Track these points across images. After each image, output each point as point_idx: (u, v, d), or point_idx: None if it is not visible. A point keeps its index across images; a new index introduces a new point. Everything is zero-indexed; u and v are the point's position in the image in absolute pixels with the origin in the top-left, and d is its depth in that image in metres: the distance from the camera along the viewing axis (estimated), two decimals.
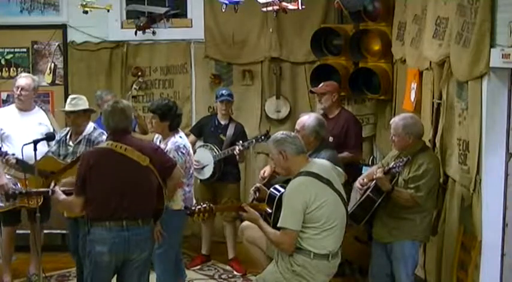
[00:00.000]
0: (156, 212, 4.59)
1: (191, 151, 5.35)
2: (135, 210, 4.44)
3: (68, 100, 5.50)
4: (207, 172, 6.41)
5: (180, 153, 5.12)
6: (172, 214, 5.05)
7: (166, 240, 4.99)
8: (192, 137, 6.61)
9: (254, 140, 6.33)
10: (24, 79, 6.05)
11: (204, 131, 6.57)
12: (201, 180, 6.55)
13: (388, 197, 4.75)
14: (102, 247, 4.38)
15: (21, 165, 5.38)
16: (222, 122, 6.54)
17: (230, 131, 6.47)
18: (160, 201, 4.58)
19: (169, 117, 5.22)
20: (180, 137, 5.26)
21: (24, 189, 5.04)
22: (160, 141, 5.34)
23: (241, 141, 6.27)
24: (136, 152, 4.45)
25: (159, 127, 5.28)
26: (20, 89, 5.98)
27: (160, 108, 5.23)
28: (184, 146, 5.19)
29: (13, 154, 5.47)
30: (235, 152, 6.23)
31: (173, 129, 5.27)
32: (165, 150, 5.05)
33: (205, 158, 6.37)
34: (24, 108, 6.07)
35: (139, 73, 7.15)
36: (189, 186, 5.29)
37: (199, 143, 6.61)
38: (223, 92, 6.55)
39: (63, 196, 4.62)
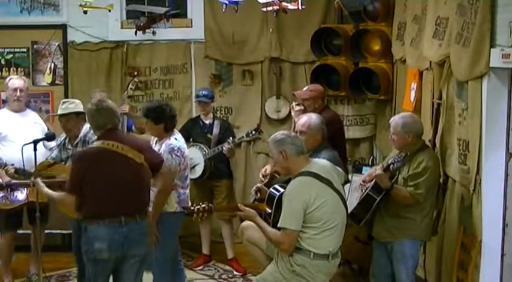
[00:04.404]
0: None
1: (186, 153, 5.26)
2: (132, 206, 4.47)
3: (60, 104, 5.50)
4: (198, 171, 6.40)
5: (174, 156, 5.04)
6: (168, 216, 5.06)
7: (162, 242, 5.01)
8: None
9: (244, 135, 6.39)
10: (18, 80, 6.11)
11: (192, 133, 6.54)
12: (192, 179, 6.55)
13: (387, 195, 4.74)
14: (101, 244, 4.38)
15: (20, 174, 5.42)
16: (207, 122, 6.56)
17: (216, 129, 6.49)
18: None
19: (163, 119, 5.13)
20: (176, 138, 5.18)
21: (4, 182, 5.30)
22: (156, 142, 5.29)
23: (231, 138, 6.29)
24: (132, 150, 4.47)
25: (154, 130, 5.20)
26: (18, 90, 6.02)
27: (152, 112, 5.15)
28: (178, 148, 5.10)
29: (12, 164, 5.48)
30: (223, 150, 6.25)
31: (169, 130, 5.20)
32: (159, 152, 5.02)
33: (195, 156, 6.34)
34: (20, 109, 6.11)
35: (136, 73, 7.10)
36: (183, 188, 5.22)
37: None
38: (200, 92, 6.58)
39: (46, 188, 4.71)
